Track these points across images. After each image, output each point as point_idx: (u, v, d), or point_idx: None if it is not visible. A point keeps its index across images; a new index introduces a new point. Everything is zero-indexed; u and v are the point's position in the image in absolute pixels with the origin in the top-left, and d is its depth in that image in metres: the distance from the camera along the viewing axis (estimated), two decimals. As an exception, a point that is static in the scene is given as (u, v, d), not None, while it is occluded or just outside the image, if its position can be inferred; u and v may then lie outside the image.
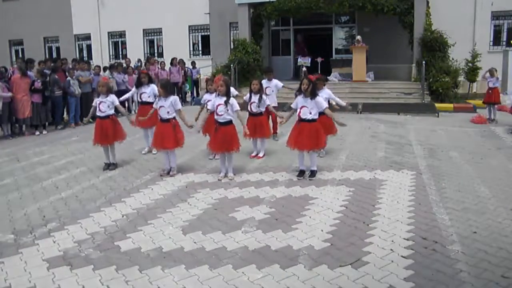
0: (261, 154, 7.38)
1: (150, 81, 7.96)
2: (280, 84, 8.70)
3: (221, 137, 6.01)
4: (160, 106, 6.30)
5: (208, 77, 12.48)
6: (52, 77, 10.70)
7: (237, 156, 7.18)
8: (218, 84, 6.18)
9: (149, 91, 7.71)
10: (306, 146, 6.02)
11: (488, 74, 10.98)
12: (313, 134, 5.98)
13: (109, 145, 6.79)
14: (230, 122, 6.05)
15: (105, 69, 13.95)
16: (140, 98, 7.80)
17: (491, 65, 11.47)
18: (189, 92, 16.47)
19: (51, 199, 5.48)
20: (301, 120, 6.02)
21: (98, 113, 6.67)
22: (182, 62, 15.83)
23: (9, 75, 10.77)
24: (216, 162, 7.08)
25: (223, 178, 6.14)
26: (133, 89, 8.19)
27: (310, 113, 5.96)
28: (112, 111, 6.70)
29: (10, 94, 9.67)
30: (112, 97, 6.67)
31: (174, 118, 6.35)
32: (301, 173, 6.18)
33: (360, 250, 3.87)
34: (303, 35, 18.43)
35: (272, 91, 8.57)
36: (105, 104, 6.62)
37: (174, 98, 6.34)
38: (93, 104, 6.80)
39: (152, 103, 7.81)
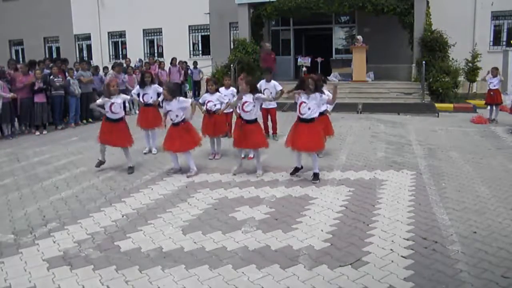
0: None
1: (153, 81, 7.94)
2: (279, 86, 8.63)
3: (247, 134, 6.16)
4: (168, 111, 6.22)
5: (208, 77, 12.49)
6: (49, 78, 10.76)
7: (234, 157, 7.24)
8: (240, 83, 6.37)
9: (152, 92, 7.70)
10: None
11: (490, 75, 10.93)
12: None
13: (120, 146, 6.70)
14: (255, 120, 6.22)
15: (104, 69, 13.95)
16: (143, 99, 7.77)
17: (491, 65, 11.45)
18: (190, 92, 16.47)
19: (51, 199, 5.48)
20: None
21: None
22: (184, 63, 15.90)
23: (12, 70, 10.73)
24: (217, 162, 7.10)
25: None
26: (135, 89, 8.12)
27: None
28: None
29: (10, 95, 9.68)
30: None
31: (184, 120, 6.26)
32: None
33: (360, 250, 3.87)
34: (271, 43, 17.57)
35: (271, 92, 8.51)
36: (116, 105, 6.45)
37: (179, 99, 6.22)
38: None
39: (153, 104, 7.83)
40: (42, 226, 4.58)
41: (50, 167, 7.12)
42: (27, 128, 10.55)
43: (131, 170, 6.59)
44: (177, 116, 6.21)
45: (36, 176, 6.57)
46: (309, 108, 5.81)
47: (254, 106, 6.10)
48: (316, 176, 5.99)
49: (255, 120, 6.22)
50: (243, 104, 6.12)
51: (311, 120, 5.87)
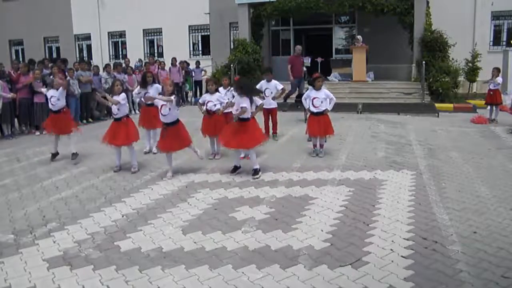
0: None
1: (154, 81, 7.99)
2: (280, 85, 8.63)
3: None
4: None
5: (208, 77, 12.48)
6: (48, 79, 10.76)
7: (232, 157, 7.23)
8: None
9: (153, 92, 7.73)
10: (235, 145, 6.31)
11: (493, 77, 10.88)
12: (242, 132, 6.21)
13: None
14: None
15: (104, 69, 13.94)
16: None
17: (491, 65, 11.44)
18: (190, 92, 16.44)
19: (51, 199, 5.48)
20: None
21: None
22: (185, 62, 15.88)
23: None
24: (216, 162, 7.10)
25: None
26: (137, 89, 8.15)
27: (237, 111, 6.22)
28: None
29: (10, 95, 9.69)
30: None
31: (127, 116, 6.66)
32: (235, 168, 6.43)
33: (360, 250, 3.87)
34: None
35: (271, 92, 8.50)
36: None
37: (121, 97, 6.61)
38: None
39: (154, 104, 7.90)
40: (42, 226, 4.58)
41: (50, 167, 7.12)
42: (27, 128, 10.56)
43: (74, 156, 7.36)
44: (118, 110, 6.53)
45: (36, 176, 6.57)
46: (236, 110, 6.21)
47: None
48: (255, 171, 6.20)
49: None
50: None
51: (245, 119, 6.15)
